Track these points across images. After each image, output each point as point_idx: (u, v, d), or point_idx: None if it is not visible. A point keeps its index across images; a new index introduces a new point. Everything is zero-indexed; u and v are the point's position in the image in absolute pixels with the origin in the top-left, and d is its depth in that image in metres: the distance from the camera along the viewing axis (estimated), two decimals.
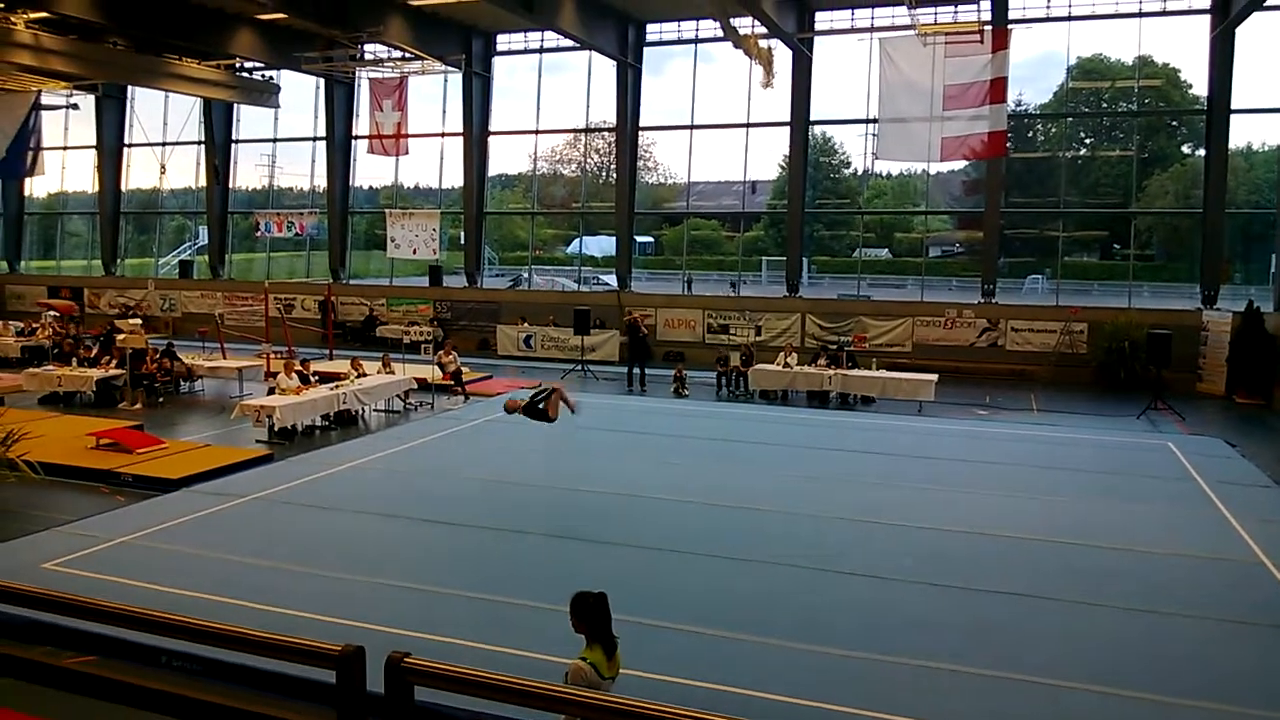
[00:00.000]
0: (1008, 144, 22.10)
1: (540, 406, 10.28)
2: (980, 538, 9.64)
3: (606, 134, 27.38)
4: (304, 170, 30.25)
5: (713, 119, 25.66)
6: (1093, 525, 10.04)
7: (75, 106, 30.10)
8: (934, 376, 17.97)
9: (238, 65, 26.74)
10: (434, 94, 27.78)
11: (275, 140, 30.36)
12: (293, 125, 29.99)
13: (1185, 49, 22.39)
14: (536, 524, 9.85)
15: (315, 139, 29.33)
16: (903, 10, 20.53)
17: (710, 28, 24.15)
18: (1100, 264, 27.25)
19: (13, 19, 21.22)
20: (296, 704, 5.47)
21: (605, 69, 25.67)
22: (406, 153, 26.48)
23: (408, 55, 24.27)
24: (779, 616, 7.45)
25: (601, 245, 29.55)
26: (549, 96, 27.10)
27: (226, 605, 7.17)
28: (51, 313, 24.95)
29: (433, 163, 28.71)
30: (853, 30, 23.57)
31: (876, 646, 6.87)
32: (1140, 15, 21.77)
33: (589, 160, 29.04)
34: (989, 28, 20.45)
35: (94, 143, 31.69)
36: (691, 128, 25.69)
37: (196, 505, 10.30)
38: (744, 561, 8.77)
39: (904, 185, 28.95)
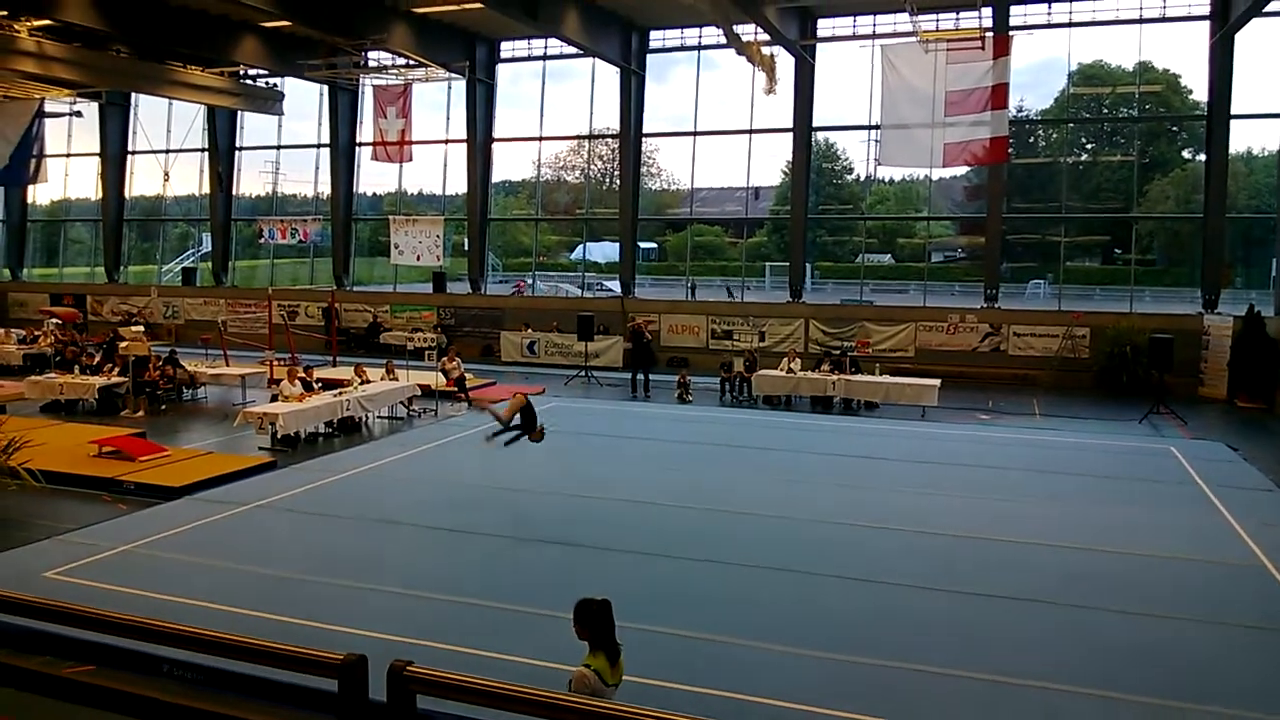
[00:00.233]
0: (1009, 149, 22.09)
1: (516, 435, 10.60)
2: (982, 542, 9.62)
3: (610, 140, 27.44)
4: (307, 177, 30.35)
5: (716, 125, 25.70)
6: (1094, 529, 10.02)
7: (79, 114, 30.16)
8: (937, 381, 17.98)
9: (241, 72, 26.84)
10: (438, 101, 27.91)
11: (279, 147, 30.43)
12: (296, 132, 30.13)
13: (1185, 55, 22.44)
14: (539, 530, 9.84)
15: (319, 146, 29.40)
16: (905, 17, 20.54)
17: (713, 35, 24.21)
18: (1102, 269, 27.23)
19: (16, 26, 21.28)
20: (298, 713, 5.45)
21: (609, 76, 25.74)
22: (410, 159, 26.52)
23: (411, 62, 24.34)
24: (780, 622, 7.43)
25: (605, 251, 29.59)
26: (553, 103, 27.21)
27: (228, 613, 7.16)
28: (54, 320, 25.00)
29: (436, 169, 28.83)
30: (855, 37, 23.62)
31: (876, 651, 6.86)
32: (1140, 21, 21.80)
33: (592, 166, 29.10)
34: (990, 34, 20.46)
35: (97, 150, 31.76)
36: (695, 134, 25.74)
37: (199, 513, 10.30)
38: (746, 567, 8.75)
39: (906, 191, 28.97)
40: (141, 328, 20.68)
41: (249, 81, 27.44)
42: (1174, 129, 25.52)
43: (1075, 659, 6.80)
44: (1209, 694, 6.28)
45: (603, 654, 4.31)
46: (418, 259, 27.11)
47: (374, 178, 29.92)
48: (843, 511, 10.66)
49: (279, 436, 13.94)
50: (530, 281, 29.50)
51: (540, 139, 27.49)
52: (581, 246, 30.40)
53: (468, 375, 19.15)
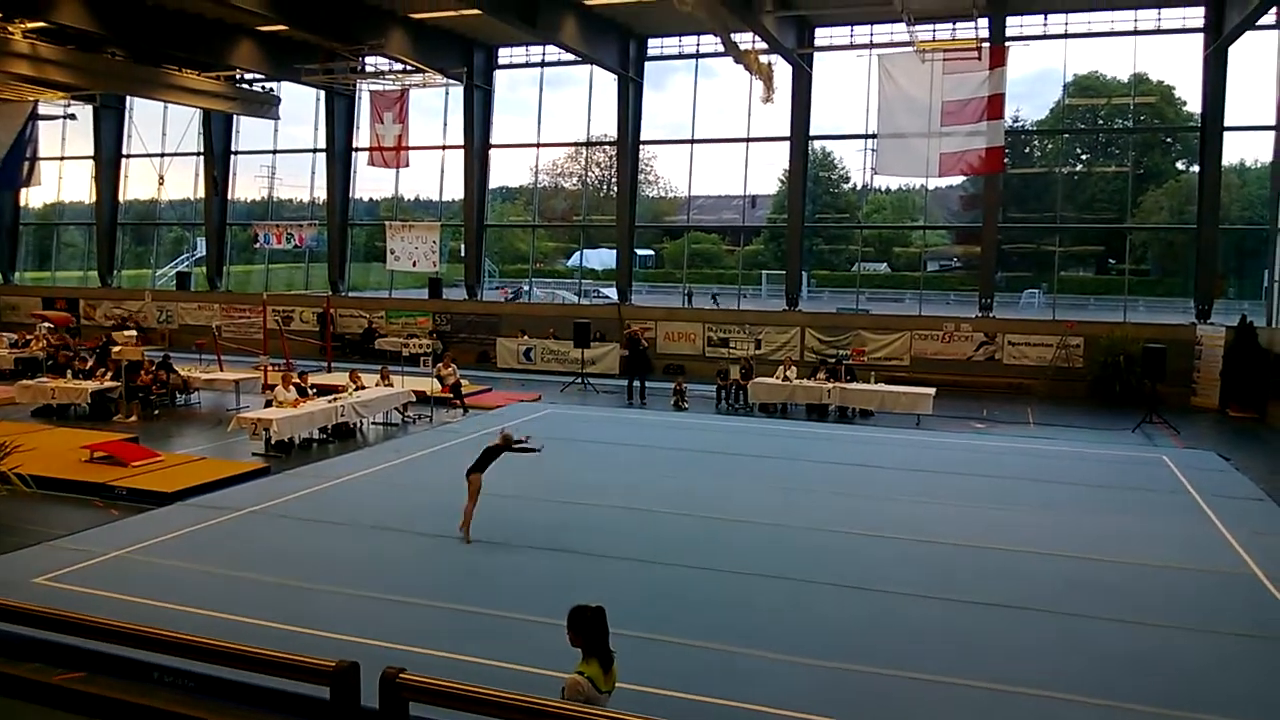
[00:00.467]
0: (1005, 160, 22.21)
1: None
2: (976, 550, 9.62)
3: (607, 147, 27.49)
4: (303, 182, 30.35)
5: (713, 133, 25.80)
6: (1087, 538, 10.04)
7: (73, 117, 30.08)
8: (932, 390, 18.00)
9: (238, 76, 26.81)
10: (435, 106, 27.95)
11: (275, 152, 30.42)
12: (293, 137, 30.11)
13: (1179, 67, 22.71)
14: (534, 537, 9.81)
15: (315, 151, 29.39)
16: (902, 27, 20.66)
17: (711, 43, 24.27)
18: (1096, 279, 27.38)
19: (10, 28, 21.23)
20: None
21: (606, 83, 25.79)
22: (407, 165, 26.56)
23: (409, 68, 24.35)
24: (775, 629, 7.42)
25: (602, 258, 29.63)
26: (550, 110, 27.25)
27: (220, 620, 7.12)
28: (46, 324, 24.90)
29: (433, 175, 28.84)
30: (852, 46, 23.73)
31: (871, 659, 6.86)
32: (1135, 34, 21.94)
33: (590, 174, 29.15)
34: (987, 45, 20.59)
35: (92, 153, 31.69)
36: (692, 142, 25.80)
37: (191, 519, 10.25)
38: (741, 575, 8.74)
39: (902, 200, 29.09)
40: (135, 332, 20.55)
41: (245, 85, 27.41)
42: (1168, 140, 25.70)
43: (1069, 667, 6.81)
44: (1201, 702, 6.29)
45: (596, 661, 4.30)
46: (414, 265, 27.10)
47: (370, 183, 30.01)
48: (838, 519, 10.65)
49: (273, 442, 13.89)
50: (528, 288, 29.49)
51: (538, 145, 27.54)
52: (578, 253, 30.44)
53: (463, 381, 19.12)
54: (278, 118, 28.67)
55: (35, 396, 17.12)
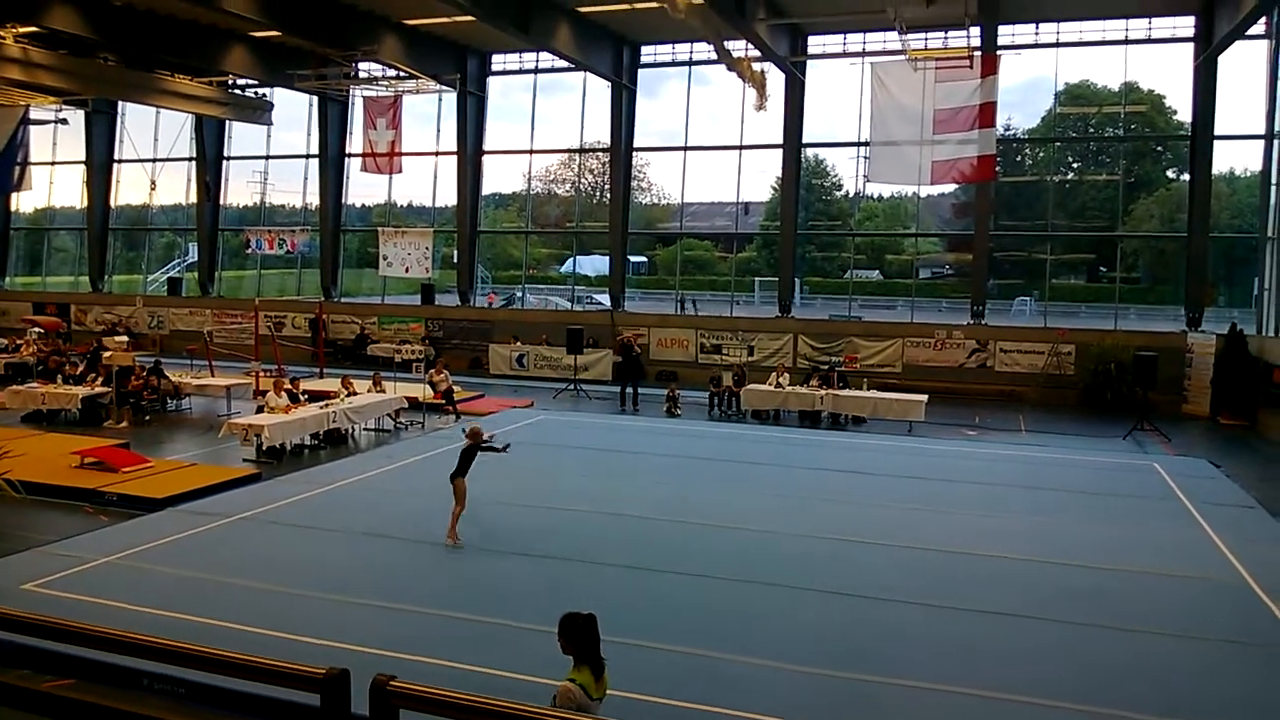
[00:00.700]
0: (997, 168, 22.33)
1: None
2: (967, 557, 9.64)
3: (601, 154, 27.53)
4: (296, 187, 30.28)
5: (706, 140, 25.86)
6: (1079, 545, 10.08)
7: (64, 122, 30.01)
8: (924, 397, 18.07)
9: (230, 82, 26.78)
10: (428, 112, 27.95)
11: (267, 157, 30.36)
12: (285, 142, 30.09)
13: (1170, 76, 22.84)
14: (525, 544, 9.79)
15: (308, 156, 29.35)
16: (894, 35, 20.75)
17: (704, 50, 24.37)
18: (1087, 286, 27.48)
19: (2, 33, 21.18)
20: None
21: (600, 90, 25.85)
22: (400, 171, 26.54)
23: (402, 74, 24.37)
24: (766, 636, 7.42)
25: (595, 265, 29.61)
26: (543, 116, 27.31)
27: (210, 627, 7.08)
28: (37, 329, 24.77)
29: (426, 181, 28.82)
30: (844, 54, 23.85)
31: (862, 666, 6.86)
32: (1126, 43, 22.13)
33: (583, 180, 29.17)
34: (978, 53, 20.70)
35: (83, 158, 31.59)
36: (685, 149, 25.86)
37: (182, 525, 10.20)
38: (732, 581, 8.75)
39: (895, 208, 29.17)
40: (126, 337, 20.46)
41: (238, 91, 27.38)
42: (1158, 149, 25.87)
43: (1061, 673, 6.82)
44: (1191, 708, 6.31)
45: (588, 668, 4.29)
46: (406, 271, 27.06)
47: (363, 189, 29.88)
48: (829, 526, 10.67)
49: (264, 448, 13.85)
50: (520, 294, 29.48)
51: (531, 152, 27.57)
52: (571, 260, 30.44)
53: (455, 388, 19.09)
54: (270, 123, 28.67)
55: (25, 402, 17.02)
